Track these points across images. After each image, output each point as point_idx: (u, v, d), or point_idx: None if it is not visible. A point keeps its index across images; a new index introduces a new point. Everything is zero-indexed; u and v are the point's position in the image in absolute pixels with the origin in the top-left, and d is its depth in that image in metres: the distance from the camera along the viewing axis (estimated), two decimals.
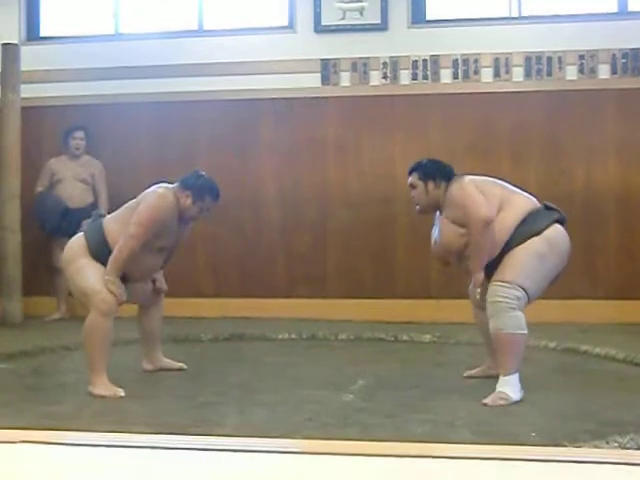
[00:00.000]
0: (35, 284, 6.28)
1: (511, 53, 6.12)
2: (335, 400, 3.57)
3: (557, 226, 3.70)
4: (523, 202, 3.72)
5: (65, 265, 3.90)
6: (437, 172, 3.81)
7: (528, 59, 6.10)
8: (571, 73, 6.06)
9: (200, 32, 6.62)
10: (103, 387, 3.67)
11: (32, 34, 6.79)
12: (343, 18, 6.31)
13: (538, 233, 3.63)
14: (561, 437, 2.86)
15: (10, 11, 6.69)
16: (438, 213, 3.84)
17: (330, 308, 6.08)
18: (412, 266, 6.05)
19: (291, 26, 6.46)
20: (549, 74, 6.08)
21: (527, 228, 3.63)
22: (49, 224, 6.18)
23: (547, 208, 3.75)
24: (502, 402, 3.43)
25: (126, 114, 6.44)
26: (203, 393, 3.71)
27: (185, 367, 4.27)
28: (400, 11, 6.26)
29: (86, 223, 4.02)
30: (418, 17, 6.33)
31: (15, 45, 6.18)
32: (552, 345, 4.81)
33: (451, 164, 3.90)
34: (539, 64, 6.08)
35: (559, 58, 6.06)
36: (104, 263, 3.78)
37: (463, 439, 2.89)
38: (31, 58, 6.28)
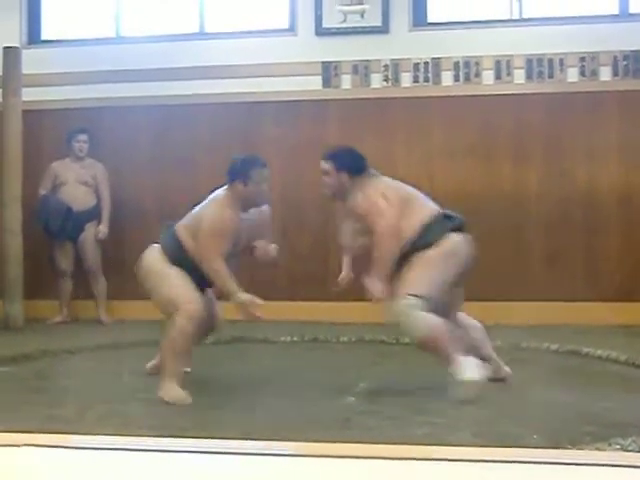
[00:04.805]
0: (37, 287, 6.28)
1: (512, 55, 6.12)
2: (336, 402, 3.57)
3: (452, 235, 3.76)
4: (422, 211, 3.79)
5: (145, 275, 3.86)
6: (352, 165, 3.89)
7: (529, 61, 6.10)
8: (572, 75, 6.07)
9: (201, 35, 6.63)
10: (172, 393, 3.61)
11: (33, 37, 6.81)
12: (344, 21, 6.31)
13: (431, 245, 3.70)
14: (563, 439, 2.86)
15: (12, 15, 6.71)
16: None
17: (332, 310, 6.07)
18: None
19: (292, 29, 6.46)
20: (550, 76, 6.08)
21: (422, 241, 3.71)
22: (53, 227, 6.19)
23: (446, 217, 3.81)
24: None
25: (127, 117, 6.45)
26: (205, 396, 3.72)
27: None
28: (401, 14, 6.26)
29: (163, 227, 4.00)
30: (419, 20, 6.33)
31: (16, 48, 6.19)
32: (554, 347, 4.81)
33: (366, 158, 3.93)
34: (540, 66, 6.08)
35: (560, 60, 6.06)
36: (184, 268, 3.78)
37: (464, 441, 2.89)
38: (32, 61, 6.28)
